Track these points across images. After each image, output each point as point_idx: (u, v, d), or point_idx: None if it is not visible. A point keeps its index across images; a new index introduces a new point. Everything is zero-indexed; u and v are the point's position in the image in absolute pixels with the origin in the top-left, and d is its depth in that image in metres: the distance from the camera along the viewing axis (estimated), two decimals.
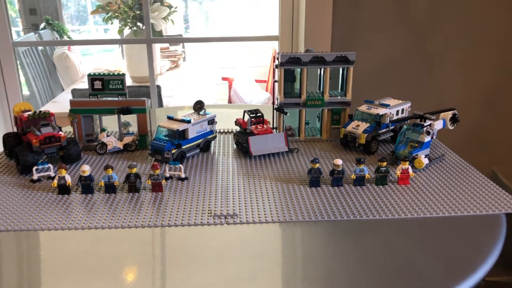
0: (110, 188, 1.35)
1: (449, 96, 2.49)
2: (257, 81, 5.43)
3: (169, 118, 1.60)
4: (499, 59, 2.43)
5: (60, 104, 3.81)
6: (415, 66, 2.44)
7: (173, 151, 1.52)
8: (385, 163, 1.39)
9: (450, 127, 1.61)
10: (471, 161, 1.59)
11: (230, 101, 5.05)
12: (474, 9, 2.36)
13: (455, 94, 2.50)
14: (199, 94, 4.69)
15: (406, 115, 1.78)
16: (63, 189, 1.35)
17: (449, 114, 1.60)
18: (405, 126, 1.57)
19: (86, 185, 1.35)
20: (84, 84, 4.69)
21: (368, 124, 1.65)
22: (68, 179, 1.35)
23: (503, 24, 2.38)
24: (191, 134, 1.57)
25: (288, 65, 1.70)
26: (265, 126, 1.66)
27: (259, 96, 4.77)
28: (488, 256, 1.02)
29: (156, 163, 1.36)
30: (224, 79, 5.33)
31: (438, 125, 1.57)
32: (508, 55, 2.43)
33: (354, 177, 1.38)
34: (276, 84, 1.78)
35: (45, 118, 1.54)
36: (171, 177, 1.43)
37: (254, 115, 1.67)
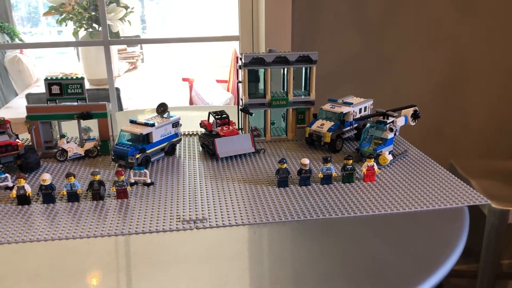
0: (73, 196, 1.30)
1: (407, 93, 2.56)
2: (218, 81, 5.39)
3: (132, 122, 1.56)
4: (450, 56, 2.52)
5: (14, 110, 3.64)
6: (373, 65, 2.49)
7: (137, 155, 1.49)
8: (351, 161, 1.40)
9: (412, 123, 1.65)
10: (431, 155, 1.63)
11: (191, 103, 5.00)
12: (424, 9, 2.43)
13: (413, 91, 2.56)
14: (159, 95, 4.61)
15: (369, 113, 1.81)
16: (23, 200, 1.28)
17: (410, 111, 1.64)
18: (368, 124, 1.59)
19: (47, 195, 1.29)
20: (39, 88, 4.50)
21: (332, 123, 1.67)
22: (28, 189, 1.28)
23: (452, 23, 2.46)
24: (155, 138, 1.54)
25: (252, 66, 1.70)
26: (230, 127, 1.65)
27: (221, 96, 4.75)
28: (454, 249, 1.05)
29: (120, 169, 1.32)
30: (184, 80, 5.26)
31: (400, 121, 1.60)
32: (458, 53, 2.52)
33: (321, 176, 1.39)
34: (240, 85, 1.77)
35: (0, 125, 1.46)
36: (136, 183, 1.40)
37: (220, 116, 1.65)
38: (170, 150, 1.61)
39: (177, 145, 1.68)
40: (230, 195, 1.32)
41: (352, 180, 1.42)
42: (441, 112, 2.63)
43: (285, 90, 1.80)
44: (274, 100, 1.74)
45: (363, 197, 1.32)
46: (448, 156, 2.62)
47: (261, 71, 1.75)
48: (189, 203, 1.28)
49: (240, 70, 1.75)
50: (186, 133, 1.85)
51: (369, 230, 1.17)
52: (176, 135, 1.64)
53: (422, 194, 1.33)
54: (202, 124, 1.72)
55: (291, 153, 1.66)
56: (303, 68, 1.79)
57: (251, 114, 1.72)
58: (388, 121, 1.56)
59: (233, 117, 1.76)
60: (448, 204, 1.26)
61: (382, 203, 1.28)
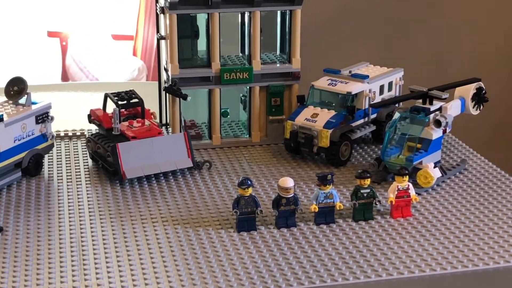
0: None
1: (464, 60, 2.60)
2: (115, 37, 5.33)
3: None
4: None
5: None
6: (403, 10, 2.53)
7: None
8: (368, 181, 1.41)
9: (474, 112, 1.68)
10: (509, 169, 1.67)
11: (66, 77, 4.91)
12: None
13: (474, 55, 2.61)
14: (5, 65, 4.50)
15: (398, 93, 1.83)
16: None
17: (470, 89, 1.66)
18: (397, 113, 1.61)
19: None
20: None
21: (333, 112, 1.67)
22: None
23: None
24: (3, 144, 1.53)
25: (185, 8, 1.69)
26: (146, 122, 1.64)
27: (122, 65, 4.70)
28: None
29: None
30: (51, 34, 5.16)
31: (454, 108, 1.63)
32: None
33: (316, 209, 1.39)
34: (163, 43, 1.77)
35: None
36: None
37: (126, 102, 1.65)
38: (32, 167, 1.60)
39: (46, 156, 1.67)
40: (150, 251, 1.31)
41: (371, 216, 1.42)
42: None
43: (247, 53, 1.80)
44: (227, 71, 1.74)
45: (391, 246, 1.32)
46: None
47: (202, 18, 1.75)
48: (72, 268, 1.25)
49: (162, 17, 1.75)
50: (63, 134, 1.83)
51: None
52: (42, 137, 1.63)
53: (495, 237, 1.35)
54: (92, 117, 1.70)
55: (260, 169, 1.66)
56: (279, 14, 1.80)
57: (184, 97, 1.72)
58: (433, 108, 1.59)
59: (151, 104, 1.75)
60: None
61: (426, 256, 1.29)
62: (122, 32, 5.40)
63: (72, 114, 1.90)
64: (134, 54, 5.07)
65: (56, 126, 1.76)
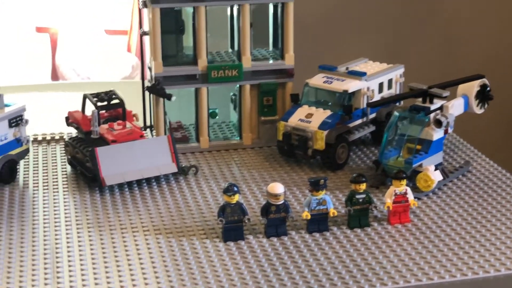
0: None
1: (468, 53, 2.60)
2: (109, 32, 5.32)
3: None
4: None
5: None
6: (405, 2, 2.53)
7: None
8: (363, 186, 1.41)
9: (478, 110, 1.68)
10: None
11: (55, 76, 4.91)
12: None
13: (480, 49, 2.61)
14: None
15: (398, 92, 1.83)
16: None
17: (474, 86, 1.66)
18: (396, 113, 1.60)
19: None
20: None
21: (328, 112, 1.67)
22: None
23: None
24: None
25: (168, 1, 1.69)
26: (128, 124, 1.64)
27: (117, 63, 4.69)
28: None
29: None
30: (40, 30, 5.16)
31: (456, 107, 1.62)
32: None
33: (309, 217, 1.39)
34: (148, 39, 1.76)
35: None
36: None
37: (106, 103, 1.65)
38: (5, 173, 1.60)
39: (21, 162, 1.67)
40: (129, 262, 1.30)
41: (367, 223, 1.43)
42: None
43: (236, 49, 1.80)
44: (215, 68, 1.74)
45: (388, 254, 1.32)
46: None
47: (188, 13, 1.75)
48: (45, 282, 1.24)
49: (144, 11, 1.75)
50: (40, 138, 1.84)
51: None
52: (17, 142, 1.63)
53: (498, 245, 1.35)
54: (70, 120, 1.70)
55: (250, 174, 1.66)
56: (271, 7, 1.80)
57: (168, 97, 1.71)
58: (433, 107, 1.58)
59: (133, 105, 1.75)
60: None
61: (423, 265, 1.28)
62: (116, 26, 5.39)
63: (58, 117, 1.89)
64: (129, 50, 5.06)
65: (39, 130, 1.77)
